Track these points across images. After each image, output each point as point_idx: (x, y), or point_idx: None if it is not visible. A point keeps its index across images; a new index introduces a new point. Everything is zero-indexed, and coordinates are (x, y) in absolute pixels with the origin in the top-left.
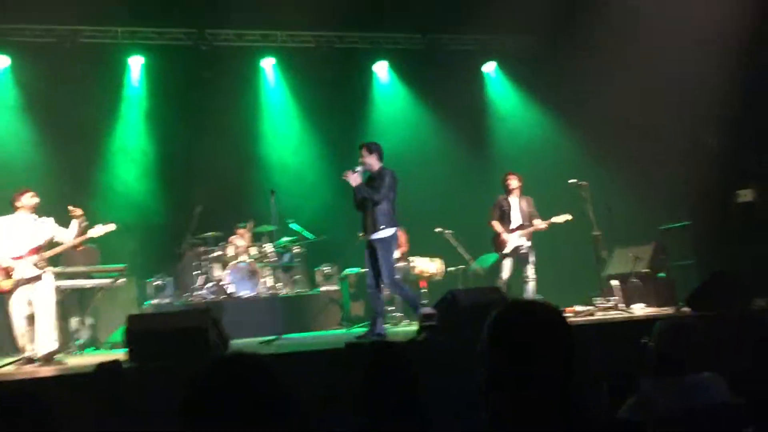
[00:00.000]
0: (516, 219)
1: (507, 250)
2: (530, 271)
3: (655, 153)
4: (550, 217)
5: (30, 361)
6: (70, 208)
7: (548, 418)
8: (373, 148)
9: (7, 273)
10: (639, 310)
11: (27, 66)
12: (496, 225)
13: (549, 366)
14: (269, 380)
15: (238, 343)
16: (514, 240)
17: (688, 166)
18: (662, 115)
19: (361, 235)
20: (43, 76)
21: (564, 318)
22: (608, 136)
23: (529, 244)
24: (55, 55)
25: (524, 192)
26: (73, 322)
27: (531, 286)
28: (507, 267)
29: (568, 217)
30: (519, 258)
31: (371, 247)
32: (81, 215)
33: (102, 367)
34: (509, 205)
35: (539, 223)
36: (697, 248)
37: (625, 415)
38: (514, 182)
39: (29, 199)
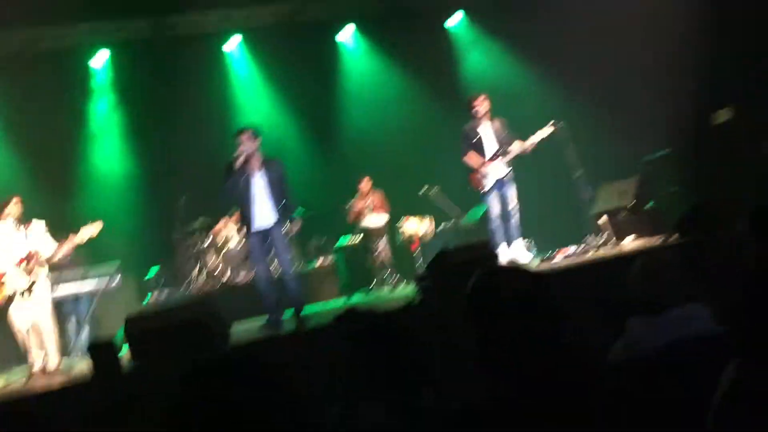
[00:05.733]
0: (491, 147)
1: (489, 185)
2: (512, 203)
3: (628, 84)
4: (529, 136)
5: (43, 372)
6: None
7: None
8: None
9: None
10: (629, 243)
11: None
12: (471, 159)
13: (534, 334)
14: None
15: (241, 329)
16: (495, 171)
17: (665, 93)
18: (629, 42)
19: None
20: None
21: (545, 285)
22: (577, 73)
23: (510, 171)
24: (19, 64)
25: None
26: (73, 327)
27: (515, 222)
28: (495, 203)
29: (550, 129)
30: (501, 189)
31: (266, 236)
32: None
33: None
34: (478, 134)
35: (520, 147)
36: (682, 175)
37: (614, 358)
38: (482, 106)
39: (13, 206)
